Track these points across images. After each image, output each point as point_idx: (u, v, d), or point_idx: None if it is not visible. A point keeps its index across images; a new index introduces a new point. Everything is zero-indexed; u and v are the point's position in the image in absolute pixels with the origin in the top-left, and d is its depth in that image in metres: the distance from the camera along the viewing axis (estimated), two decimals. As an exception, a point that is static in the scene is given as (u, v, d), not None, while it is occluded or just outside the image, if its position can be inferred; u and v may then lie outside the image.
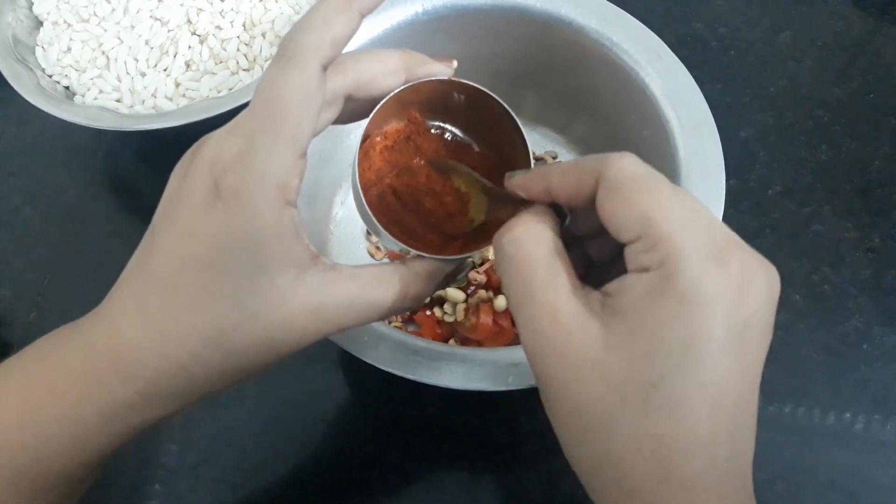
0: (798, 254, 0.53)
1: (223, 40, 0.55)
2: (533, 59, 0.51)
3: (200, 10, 0.55)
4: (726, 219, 0.33)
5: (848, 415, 0.48)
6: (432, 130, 0.33)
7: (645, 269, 0.23)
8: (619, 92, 0.47)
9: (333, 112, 0.29)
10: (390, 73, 0.30)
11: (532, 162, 0.31)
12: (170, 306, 0.27)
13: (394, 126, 0.32)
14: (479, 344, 0.47)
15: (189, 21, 0.55)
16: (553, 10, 0.47)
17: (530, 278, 0.25)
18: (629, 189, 0.24)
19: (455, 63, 0.31)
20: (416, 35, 0.48)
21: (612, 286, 0.25)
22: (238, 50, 0.55)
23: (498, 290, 0.49)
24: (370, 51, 0.30)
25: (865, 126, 0.58)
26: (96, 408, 0.27)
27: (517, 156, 0.31)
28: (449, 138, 0.34)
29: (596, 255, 0.30)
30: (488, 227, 0.32)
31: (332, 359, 0.51)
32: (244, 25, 0.56)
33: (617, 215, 0.24)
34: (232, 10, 0.55)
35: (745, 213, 0.55)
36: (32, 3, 0.58)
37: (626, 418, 0.23)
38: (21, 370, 0.29)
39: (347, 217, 0.54)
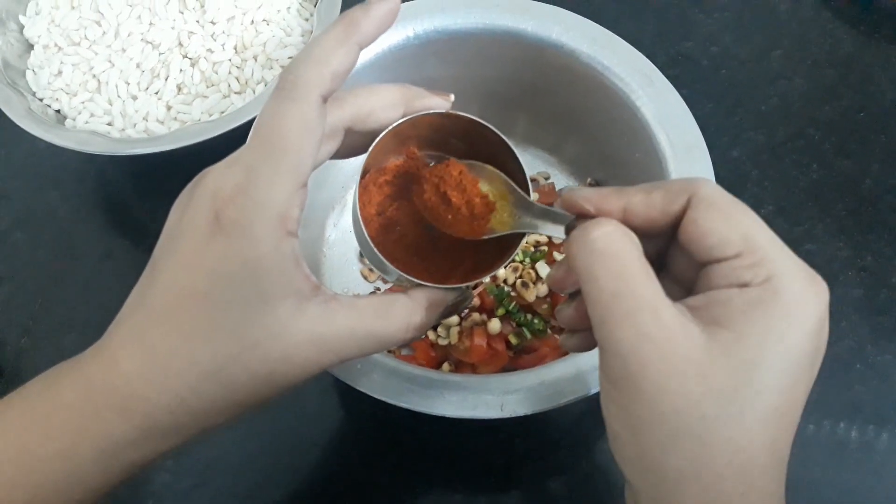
0: (791, 273, 0.53)
1: (214, 63, 0.55)
2: (524, 81, 0.51)
3: (192, 33, 0.55)
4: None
5: (842, 433, 0.48)
6: (431, 164, 0.33)
7: (745, 285, 0.24)
8: (611, 114, 0.47)
9: (333, 145, 0.30)
10: (389, 107, 0.30)
11: (531, 190, 0.31)
12: (168, 338, 0.26)
13: (393, 162, 0.33)
14: (473, 367, 0.47)
15: (180, 44, 0.55)
16: (544, 33, 0.47)
17: (630, 272, 0.25)
18: (729, 208, 0.25)
19: (452, 97, 0.32)
20: (408, 59, 0.49)
21: (696, 300, 0.25)
22: (230, 73, 0.55)
23: (491, 314, 0.49)
24: (368, 85, 0.31)
25: (856, 144, 0.58)
26: (94, 444, 0.27)
27: (515, 184, 0.31)
28: None
29: None
30: (489, 255, 0.32)
31: (326, 382, 0.51)
32: (235, 48, 0.55)
33: (717, 231, 0.25)
34: (223, 32, 0.55)
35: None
36: (23, 27, 0.58)
37: (724, 424, 0.23)
38: (19, 407, 0.28)
39: (340, 239, 0.54)
